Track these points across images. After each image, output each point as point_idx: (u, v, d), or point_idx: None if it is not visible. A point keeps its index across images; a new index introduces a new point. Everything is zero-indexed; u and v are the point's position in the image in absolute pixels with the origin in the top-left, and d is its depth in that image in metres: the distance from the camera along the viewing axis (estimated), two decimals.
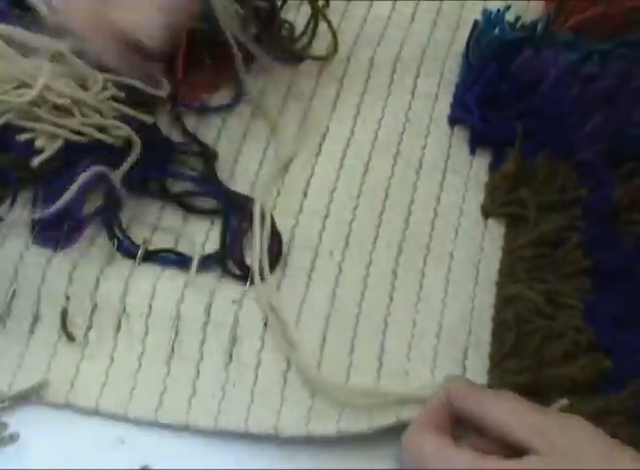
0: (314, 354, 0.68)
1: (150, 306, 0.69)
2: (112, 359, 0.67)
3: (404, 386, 0.67)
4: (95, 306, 0.68)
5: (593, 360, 0.66)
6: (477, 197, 0.77)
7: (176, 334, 0.68)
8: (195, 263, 0.70)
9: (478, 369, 0.67)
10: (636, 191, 0.74)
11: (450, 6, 0.89)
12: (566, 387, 0.65)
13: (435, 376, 0.67)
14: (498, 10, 0.85)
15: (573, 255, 0.71)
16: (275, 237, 0.73)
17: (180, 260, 0.71)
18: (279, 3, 0.85)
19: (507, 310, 0.70)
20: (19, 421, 0.64)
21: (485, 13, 0.85)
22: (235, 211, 0.74)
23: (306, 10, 0.86)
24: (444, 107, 0.82)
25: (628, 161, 0.75)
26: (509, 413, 0.59)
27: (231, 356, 0.67)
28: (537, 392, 0.64)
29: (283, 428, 0.65)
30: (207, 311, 0.69)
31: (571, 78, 0.79)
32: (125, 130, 0.75)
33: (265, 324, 0.69)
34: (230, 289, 0.70)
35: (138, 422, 0.65)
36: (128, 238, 0.72)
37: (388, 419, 0.64)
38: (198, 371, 0.66)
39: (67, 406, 0.65)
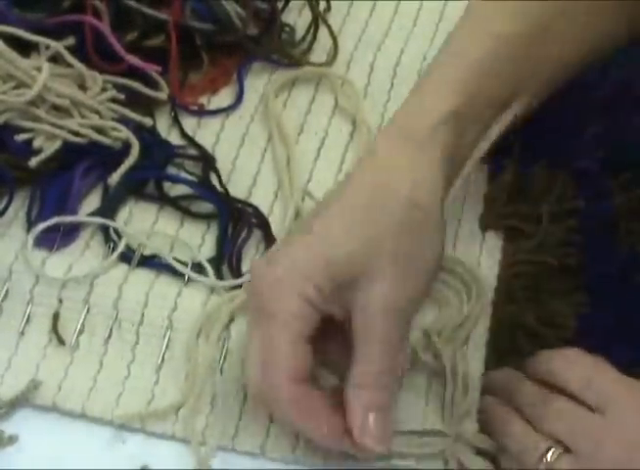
0: None
1: (142, 315, 0.68)
2: (101, 365, 0.66)
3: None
4: (87, 311, 0.68)
5: None
6: (475, 207, 0.76)
7: (167, 344, 0.67)
8: (189, 271, 0.70)
9: None
10: (635, 200, 0.74)
11: (453, 9, 0.88)
12: None
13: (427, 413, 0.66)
14: None
15: (571, 270, 0.71)
16: (271, 242, 0.73)
17: (175, 266, 0.71)
18: (280, 5, 0.84)
19: (501, 338, 0.69)
20: (18, 422, 0.64)
21: None
22: (232, 216, 0.74)
23: (308, 14, 0.86)
24: None
25: (627, 169, 0.75)
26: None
27: (222, 370, 0.67)
28: None
29: (269, 449, 0.64)
30: (200, 322, 0.68)
31: (570, 86, 0.78)
32: (124, 132, 0.75)
33: None
34: (223, 298, 0.70)
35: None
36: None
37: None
38: (187, 383, 0.66)
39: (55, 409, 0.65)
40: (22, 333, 0.68)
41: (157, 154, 0.76)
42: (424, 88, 0.68)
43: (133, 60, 0.78)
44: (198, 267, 0.71)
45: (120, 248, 0.71)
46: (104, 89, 0.77)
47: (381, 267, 0.59)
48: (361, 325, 0.59)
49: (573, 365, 0.62)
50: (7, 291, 0.69)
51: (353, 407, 0.60)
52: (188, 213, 0.74)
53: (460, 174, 0.68)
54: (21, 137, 0.73)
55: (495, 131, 0.69)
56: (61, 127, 0.74)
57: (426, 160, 0.63)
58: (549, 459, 0.59)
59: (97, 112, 0.76)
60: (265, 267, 0.61)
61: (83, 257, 0.71)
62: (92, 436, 0.64)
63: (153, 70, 0.79)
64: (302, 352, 0.59)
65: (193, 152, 0.78)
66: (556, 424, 0.60)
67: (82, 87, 0.77)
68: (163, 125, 0.79)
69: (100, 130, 0.75)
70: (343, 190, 0.63)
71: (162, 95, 0.79)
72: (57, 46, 0.77)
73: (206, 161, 0.77)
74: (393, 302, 0.59)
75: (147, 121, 0.78)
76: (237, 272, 0.71)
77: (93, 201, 0.74)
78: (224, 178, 0.76)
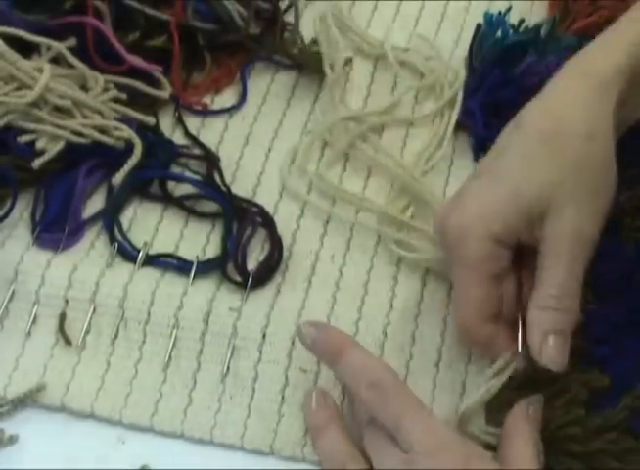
0: (311, 362, 0.67)
1: (148, 313, 0.68)
2: (108, 364, 0.67)
3: None
4: (94, 311, 0.68)
5: (587, 381, 0.65)
6: None
7: (174, 342, 0.67)
8: (194, 269, 0.70)
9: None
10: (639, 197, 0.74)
11: (455, 9, 0.89)
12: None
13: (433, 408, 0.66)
14: (499, 12, 0.85)
15: None
16: (276, 241, 0.72)
17: (180, 265, 0.71)
18: (282, 5, 0.84)
19: None
20: (18, 422, 0.64)
21: (487, 15, 0.85)
22: (236, 215, 0.73)
23: (310, 13, 0.86)
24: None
25: (631, 167, 0.75)
26: None
27: (228, 368, 0.67)
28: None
29: (279, 448, 0.64)
30: (206, 320, 0.68)
31: None
32: (126, 131, 0.75)
33: (264, 336, 0.68)
34: (229, 296, 0.70)
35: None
36: (129, 241, 0.72)
37: None
38: (194, 381, 0.66)
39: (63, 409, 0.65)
40: (29, 334, 0.68)
41: (160, 153, 0.76)
42: (603, 40, 0.69)
43: (135, 60, 0.78)
44: (202, 268, 0.71)
45: (125, 245, 0.71)
46: (105, 89, 0.77)
47: (567, 196, 0.63)
48: (549, 249, 0.63)
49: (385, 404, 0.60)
50: (13, 292, 0.69)
51: (534, 329, 0.63)
52: (193, 213, 0.74)
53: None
54: (23, 139, 0.73)
55: None
56: (63, 128, 0.74)
57: (604, 96, 0.65)
58: None
59: (99, 112, 0.76)
60: (452, 214, 0.65)
61: (88, 257, 0.71)
62: (92, 436, 0.64)
63: (155, 70, 0.79)
64: (491, 293, 0.64)
65: (197, 151, 0.78)
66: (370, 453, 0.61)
67: (84, 88, 0.77)
68: (167, 125, 0.79)
69: (102, 130, 0.75)
70: (514, 134, 0.66)
71: (165, 93, 0.79)
72: (58, 47, 0.77)
73: (211, 160, 0.77)
74: (581, 227, 0.63)
75: (149, 120, 0.77)
76: (242, 271, 0.71)
77: (97, 201, 0.74)
78: (228, 178, 0.76)
